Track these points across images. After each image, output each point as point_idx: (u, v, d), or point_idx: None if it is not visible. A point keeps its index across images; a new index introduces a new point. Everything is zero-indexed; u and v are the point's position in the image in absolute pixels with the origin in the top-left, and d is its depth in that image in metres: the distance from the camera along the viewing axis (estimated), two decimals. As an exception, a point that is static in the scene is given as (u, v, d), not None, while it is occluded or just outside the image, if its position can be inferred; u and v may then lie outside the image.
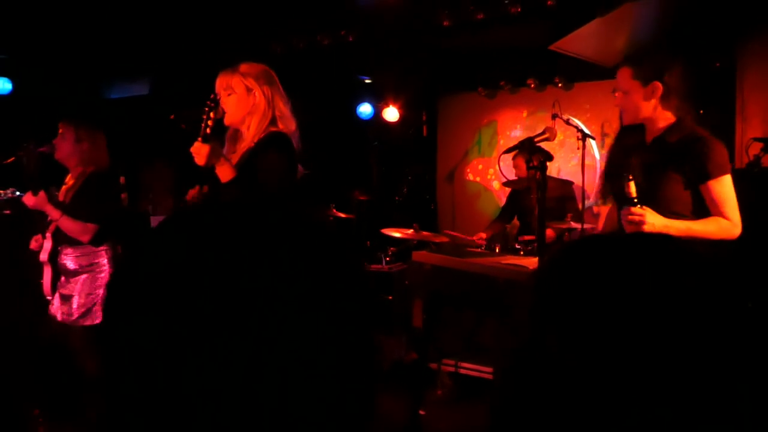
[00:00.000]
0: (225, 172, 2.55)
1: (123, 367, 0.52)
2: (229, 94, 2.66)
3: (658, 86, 2.60)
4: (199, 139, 2.53)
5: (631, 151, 2.74)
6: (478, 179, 7.11)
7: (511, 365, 0.62)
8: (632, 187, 2.49)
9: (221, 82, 2.68)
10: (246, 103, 2.66)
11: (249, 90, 2.65)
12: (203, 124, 2.54)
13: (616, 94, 2.71)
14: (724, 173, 2.54)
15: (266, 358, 0.53)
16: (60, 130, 3.36)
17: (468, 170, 7.16)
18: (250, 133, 2.66)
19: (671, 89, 2.62)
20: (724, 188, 2.55)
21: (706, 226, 2.53)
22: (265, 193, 2.54)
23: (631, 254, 0.61)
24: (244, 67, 2.69)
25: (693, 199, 2.58)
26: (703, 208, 2.57)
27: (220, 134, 2.72)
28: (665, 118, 2.65)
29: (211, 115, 2.56)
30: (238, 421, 0.52)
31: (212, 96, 2.60)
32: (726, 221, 2.53)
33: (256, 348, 0.53)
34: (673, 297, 0.56)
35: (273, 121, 2.67)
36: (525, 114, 6.80)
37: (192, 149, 2.54)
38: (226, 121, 2.67)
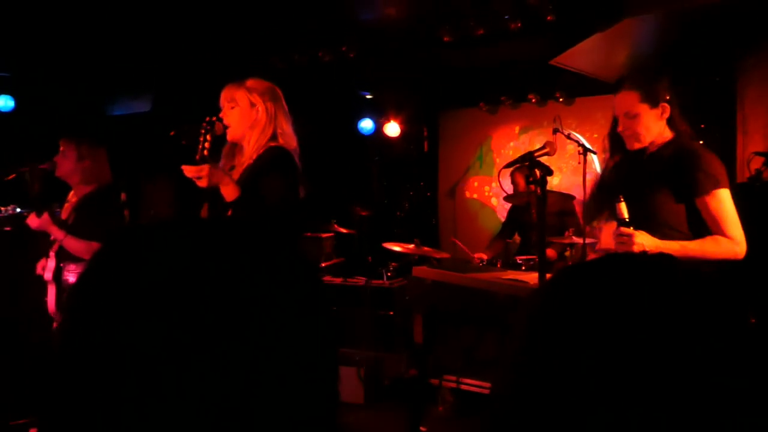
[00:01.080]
0: (229, 192, 2.54)
1: (124, 374, 0.52)
2: (232, 107, 2.67)
3: (666, 107, 2.57)
4: (196, 159, 2.51)
5: (625, 169, 2.70)
6: (475, 196, 7.12)
7: (510, 381, 0.62)
8: (623, 209, 2.44)
9: (226, 95, 2.70)
10: (248, 117, 2.66)
11: (252, 105, 2.66)
12: (200, 146, 2.53)
13: (622, 120, 2.60)
14: (718, 187, 2.44)
15: (265, 363, 0.53)
16: (61, 148, 3.35)
17: (465, 188, 7.17)
18: (251, 148, 2.66)
19: (673, 107, 2.59)
20: (721, 203, 2.44)
21: (703, 246, 2.43)
22: (269, 209, 2.53)
23: (633, 274, 0.61)
24: (250, 82, 2.71)
25: (688, 215, 2.51)
26: (701, 225, 2.49)
27: (218, 152, 2.72)
28: (664, 135, 2.62)
29: (208, 137, 2.55)
30: (238, 428, 0.52)
31: (208, 118, 2.60)
32: (725, 239, 2.42)
33: (256, 354, 0.53)
34: (673, 315, 0.56)
35: (273, 137, 2.67)
36: (517, 130, 6.81)
37: (191, 173, 2.49)
38: (229, 135, 2.68)
